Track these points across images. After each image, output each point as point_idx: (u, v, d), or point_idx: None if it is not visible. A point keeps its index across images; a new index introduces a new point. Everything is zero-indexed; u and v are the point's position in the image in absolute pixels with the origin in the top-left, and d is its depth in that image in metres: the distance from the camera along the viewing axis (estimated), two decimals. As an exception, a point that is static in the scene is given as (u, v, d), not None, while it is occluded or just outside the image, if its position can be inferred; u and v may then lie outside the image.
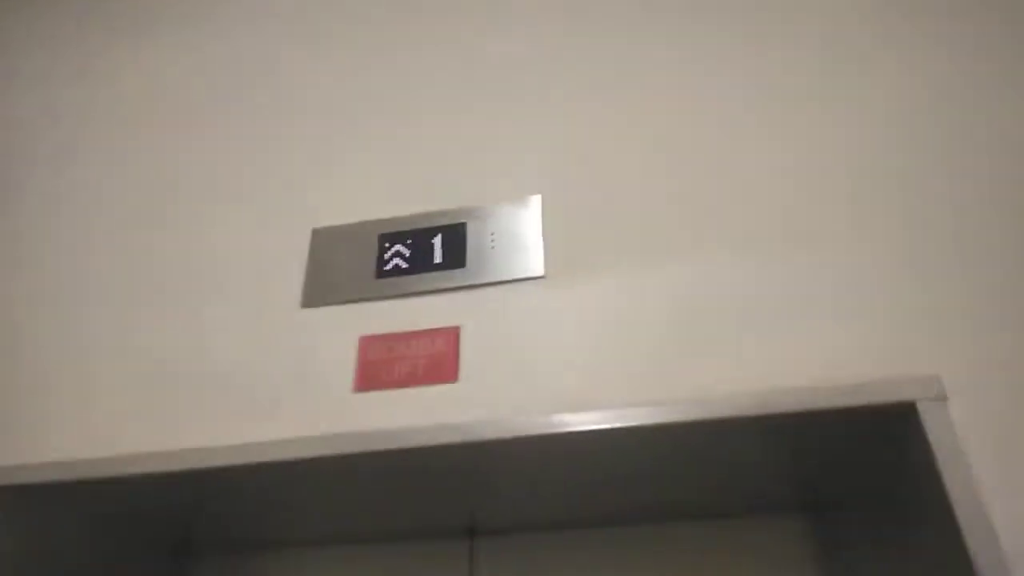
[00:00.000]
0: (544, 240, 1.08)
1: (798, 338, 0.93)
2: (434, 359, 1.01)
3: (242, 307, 1.14)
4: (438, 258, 1.11)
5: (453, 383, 0.99)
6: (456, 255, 1.10)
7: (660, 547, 1.24)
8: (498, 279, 1.06)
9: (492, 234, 1.11)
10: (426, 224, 1.14)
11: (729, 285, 0.99)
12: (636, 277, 1.02)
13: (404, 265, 1.11)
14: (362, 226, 1.17)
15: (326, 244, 1.17)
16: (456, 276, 1.08)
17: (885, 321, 0.91)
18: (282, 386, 1.05)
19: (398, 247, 1.13)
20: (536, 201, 1.12)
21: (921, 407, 0.82)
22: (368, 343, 1.05)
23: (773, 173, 1.07)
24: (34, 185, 1.40)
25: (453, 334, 1.03)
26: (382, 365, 1.02)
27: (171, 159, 1.35)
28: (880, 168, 1.03)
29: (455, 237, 1.12)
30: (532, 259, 1.07)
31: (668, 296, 1.00)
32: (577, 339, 0.99)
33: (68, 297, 1.23)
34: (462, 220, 1.13)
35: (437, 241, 1.12)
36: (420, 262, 1.11)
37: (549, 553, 1.26)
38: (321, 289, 1.13)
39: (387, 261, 1.12)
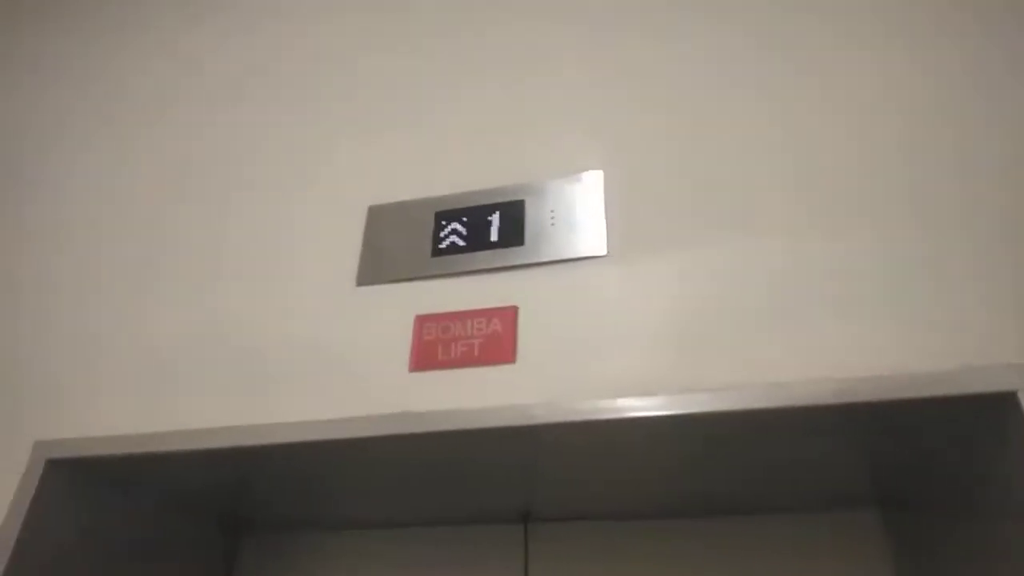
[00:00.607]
0: (606, 218, 1.03)
1: (880, 323, 0.86)
2: (491, 339, 0.98)
3: (298, 285, 1.13)
4: (495, 236, 1.07)
5: (510, 364, 0.96)
6: (514, 233, 1.06)
7: (722, 542, 1.19)
8: (558, 258, 1.02)
9: (552, 211, 1.07)
10: (484, 201, 1.11)
11: (804, 266, 0.92)
12: (703, 257, 0.97)
13: (461, 243, 1.08)
14: (418, 203, 1.14)
15: (382, 222, 1.15)
16: (514, 254, 1.05)
17: (978, 306, 0.84)
18: (337, 365, 1.03)
19: (455, 225, 1.10)
20: (598, 177, 1.07)
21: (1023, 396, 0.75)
22: (424, 322, 1.02)
23: (851, 149, 1.00)
24: (95, 162, 1.42)
25: (511, 314, 1.00)
26: (438, 345, 1.00)
27: (229, 138, 1.35)
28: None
29: (513, 214, 1.08)
30: (593, 237, 1.02)
31: (737, 277, 0.94)
32: (639, 321, 0.95)
33: (129, 273, 1.24)
34: (521, 197, 1.09)
35: (495, 219, 1.09)
36: (477, 240, 1.08)
37: (605, 543, 1.23)
38: (376, 267, 1.10)
39: (443, 239, 1.09)
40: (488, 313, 1.01)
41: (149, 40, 1.59)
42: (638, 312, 0.95)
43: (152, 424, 1.05)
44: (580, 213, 1.05)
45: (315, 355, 1.05)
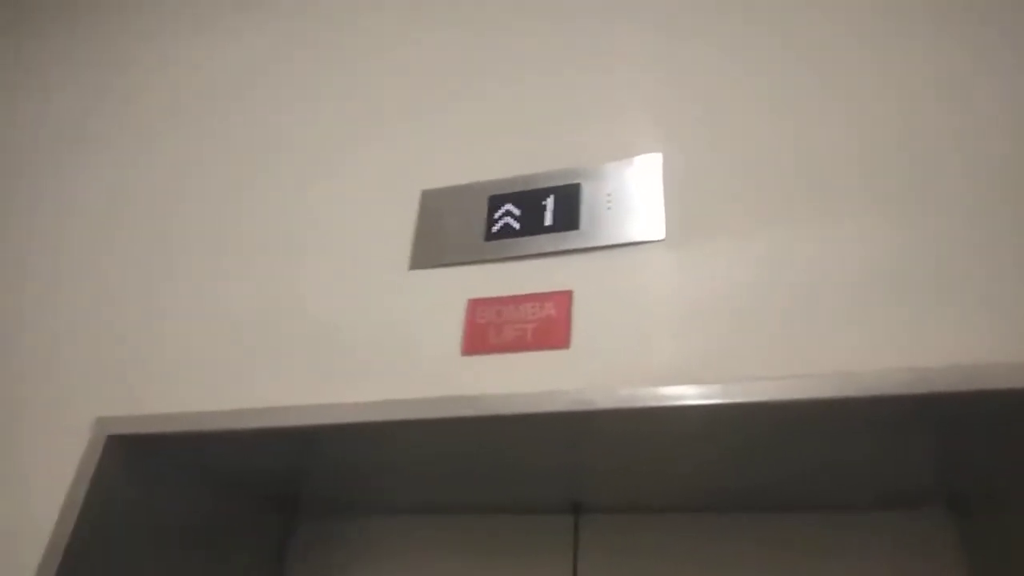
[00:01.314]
0: (664, 202, 1.01)
1: (956, 311, 0.81)
2: (545, 324, 0.97)
3: (351, 268, 1.13)
4: (550, 220, 1.05)
5: (564, 349, 0.94)
6: (569, 217, 1.04)
7: (777, 539, 1.15)
8: (614, 242, 1.00)
9: (608, 195, 1.04)
10: (538, 185, 1.09)
11: (872, 252, 0.88)
12: (765, 242, 0.93)
13: (514, 227, 1.07)
14: (472, 187, 1.13)
15: (435, 205, 1.14)
16: (569, 239, 1.03)
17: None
18: (389, 348, 1.03)
19: (508, 208, 1.09)
20: (656, 160, 1.05)
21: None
22: (476, 306, 1.01)
23: (921, 133, 0.95)
24: (167, 136, 1.45)
25: (565, 298, 0.98)
26: (490, 329, 0.99)
27: (286, 124, 1.36)
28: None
29: (569, 198, 1.06)
30: (651, 222, 1.00)
31: (800, 263, 0.90)
32: (698, 307, 0.92)
33: (193, 254, 1.26)
34: (576, 180, 1.08)
35: (549, 202, 1.07)
36: (531, 224, 1.06)
37: (655, 536, 1.20)
38: (429, 251, 1.10)
39: (497, 223, 1.08)
40: (542, 297, 0.99)
41: (200, 18, 1.62)
42: (697, 298, 0.92)
43: (211, 404, 1.06)
44: (637, 197, 1.03)
45: (368, 338, 1.05)
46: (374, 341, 1.04)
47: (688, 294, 0.93)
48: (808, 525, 1.14)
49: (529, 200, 1.08)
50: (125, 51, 1.66)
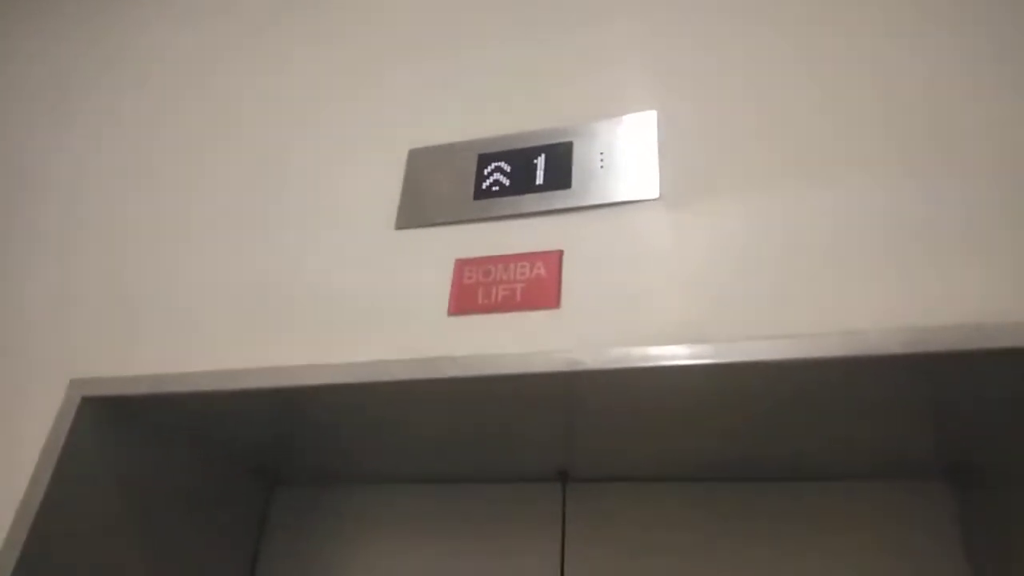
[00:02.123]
0: (659, 160, 0.98)
1: (957, 270, 0.79)
2: (534, 284, 0.94)
3: (336, 228, 1.09)
4: (541, 179, 1.02)
5: (554, 310, 0.91)
6: (561, 175, 1.01)
7: (769, 509, 1.14)
8: (606, 201, 0.97)
9: (601, 153, 1.01)
10: (529, 143, 1.06)
11: (871, 211, 0.85)
12: (761, 200, 0.90)
13: (504, 186, 1.03)
14: (461, 145, 1.10)
15: (423, 164, 1.10)
16: (560, 197, 0.99)
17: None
18: (375, 308, 1.00)
19: (499, 166, 1.05)
20: (651, 117, 1.01)
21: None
22: (464, 265, 0.98)
23: (917, 84, 0.92)
24: (132, 117, 1.40)
25: (555, 258, 0.95)
26: (479, 288, 0.95)
27: (263, 82, 1.32)
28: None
29: (560, 156, 1.03)
30: (645, 180, 0.96)
31: (797, 221, 0.87)
32: (692, 267, 0.89)
33: (167, 216, 1.22)
34: (568, 139, 1.04)
35: (540, 161, 1.03)
36: (521, 183, 1.03)
37: (644, 504, 1.18)
38: (416, 211, 1.06)
39: (486, 181, 1.05)
40: (531, 257, 0.96)
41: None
42: (691, 258, 0.90)
43: (189, 366, 1.03)
44: (631, 155, 0.99)
45: (353, 299, 1.02)
46: (359, 302, 1.01)
47: (683, 253, 0.90)
48: (802, 495, 1.13)
49: (520, 158, 1.05)
50: (118, 18, 1.61)
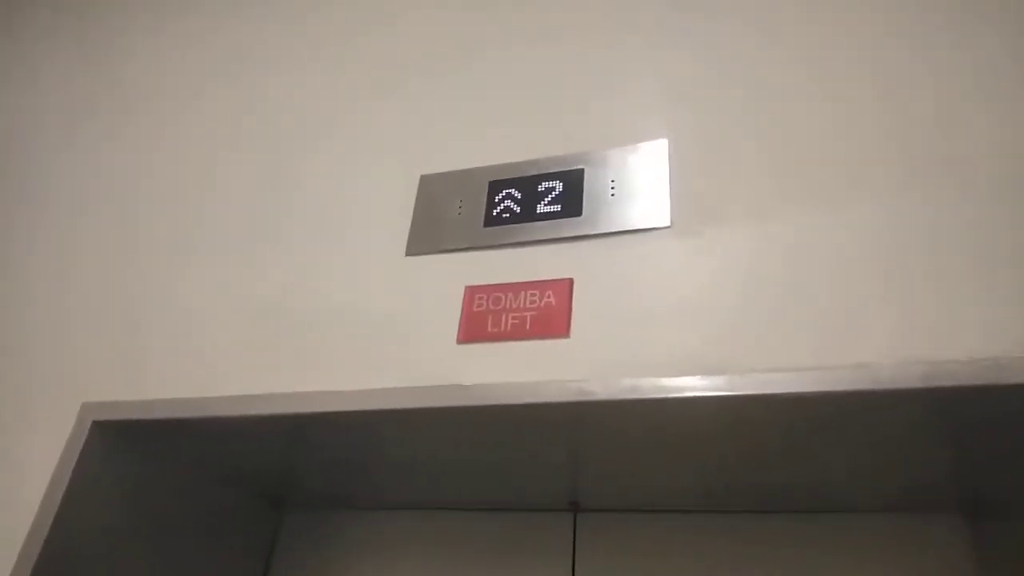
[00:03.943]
0: (670, 188, 0.97)
1: (976, 301, 0.77)
2: (545, 312, 0.93)
3: (346, 254, 1.10)
4: (552, 206, 1.02)
5: (564, 339, 0.90)
6: (572, 203, 1.01)
7: (781, 542, 1.11)
8: (618, 229, 0.96)
9: (612, 181, 1.01)
10: (540, 170, 1.06)
11: (887, 240, 0.84)
12: (773, 228, 0.89)
13: (515, 213, 1.03)
14: (472, 172, 1.10)
15: (434, 191, 1.11)
16: (571, 225, 0.99)
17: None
18: (385, 334, 0.99)
19: (509, 193, 1.05)
20: (662, 146, 1.01)
21: None
22: (473, 293, 0.98)
23: (928, 110, 0.91)
24: (138, 134, 1.42)
25: (566, 286, 0.94)
26: (488, 316, 0.95)
27: (278, 105, 1.33)
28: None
29: (571, 184, 1.03)
30: (656, 208, 0.96)
31: (810, 251, 0.86)
32: (704, 296, 0.88)
33: (178, 239, 1.23)
34: (580, 166, 1.04)
35: (551, 188, 1.03)
36: (532, 210, 1.02)
37: (656, 536, 1.16)
38: (427, 237, 1.07)
39: (497, 208, 1.05)
40: (542, 285, 0.96)
41: (192, 12, 1.59)
42: (703, 287, 0.89)
43: (198, 391, 1.03)
44: (642, 183, 0.99)
45: (362, 325, 1.02)
46: (368, 329, 1.01)
47: (694, 282, 0.89)
48: (816, 527, 1.11)
49: (530, 185, 1.05)
50: (123, 32, 1.64)
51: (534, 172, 1.06)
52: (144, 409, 1.03)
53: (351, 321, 1.02)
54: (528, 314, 0.94)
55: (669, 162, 0.99)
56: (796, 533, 1.11)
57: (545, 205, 1.02)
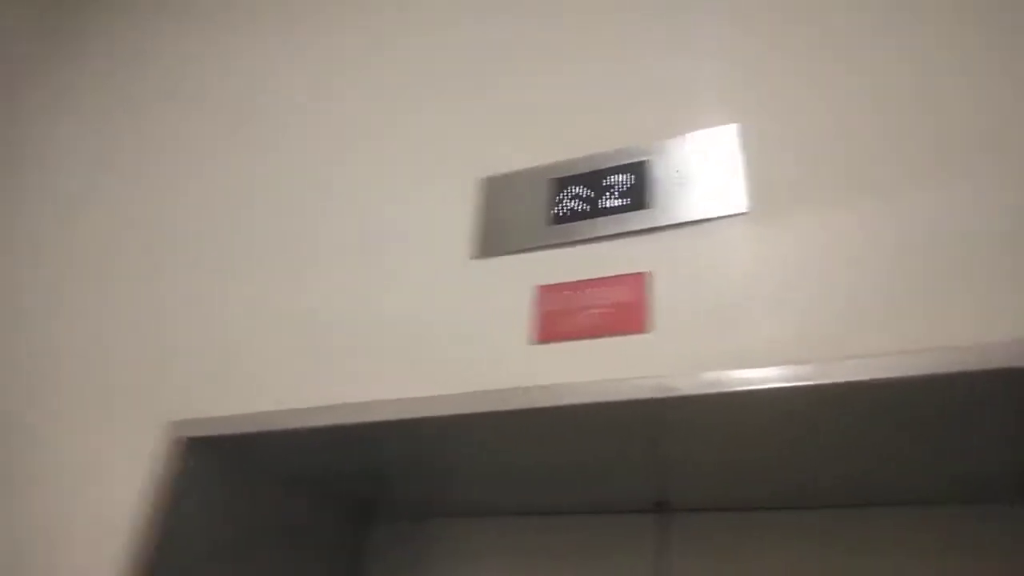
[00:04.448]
0: (745, 173, 0.94)
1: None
2: (619, 308, 0.91)
3: (414, 261, 1.10)
4: (618, 200, 1.00)
5: (642, 334, 0.88)
6: (639, 195, 0.98)
7: (871, 535, 1.06)
8: (689, 218, 0.93)
9: (678, 171, 0.98)
10: (603, 164, 1.04)
11: (972, 219, 0.79)
12: (857, 211, 0.85)
13: (580, 209, 1.01)
14: (533, 171, 1.09)
15: (496, 192, 1.10)
16: (640, 218, 0.97)
17: None
18: (458, 339, 0.99)
19: (573, 190, 1.03)
20: (731, 131, 0.98)
21: None
22: (545, 292, 0.96)
23: (1018, 88, 0.85)
24: (207, 154, 1.45)
25: (639, 280, 0.92)
26: (562, 315, 0.93)
27: (338, 115, 1.35)
28: None
29: (637, 176, 1.00)
30: (732, 194, 0.93)
31: (896, 232, 0.82)
32: (787, 282, 0.84)
33: (254, 255, 1.25)
34: (644, 157, 1.01)
35: (616, 181, 1.01)
36: (598, 205, 1.00)
37: (750, 535, 1.12)
38: (492, 239, 1.06)
39: (562, 206, 1.03)
40: (614, 281, 0.93)
41: (254, 24, 1.62)
42: (786, 273, 0.85)
43: (280, 403, 1.05)
44: (712, 170, 0.96)
45: (436, 331, 1.01)
46: (441, 335, 1.01)
47: (775, 269, 0.86)
48: (905, 520, 1.05)
49: (594, 180, 1.03)
50: (176, 42, 1.69)
51: (597, 167, 1.04)
52: (229, 424, 1.05)
53: (424, 327, 1.02)
54: (602, 311, 0.91)
55: (741, 147, 0.96)
56: (891, 526, 1.06)
57: (611, 199, 1.00)
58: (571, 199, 1.03)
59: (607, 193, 1.01)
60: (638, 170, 1.01)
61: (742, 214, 0.91)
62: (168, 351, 1.20)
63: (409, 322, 1.04)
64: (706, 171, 0.96)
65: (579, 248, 0.99)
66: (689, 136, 1.01)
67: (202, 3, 1.75)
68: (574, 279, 0.96)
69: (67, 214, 1.54)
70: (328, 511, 1.32)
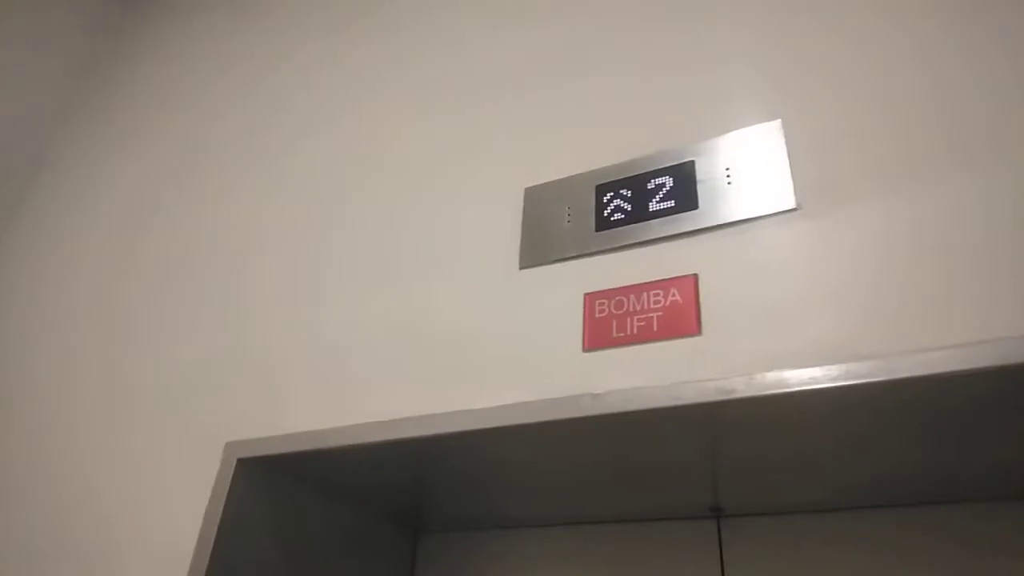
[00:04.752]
0: (791, 170, 0.92)
1: None
2: (671, 312, 0.90)
3: (462, 275, 1.10)
4: (665, 203, 0.99)
5: (696, 336, 0.87)
6: (686, 196, 0.97)
7: (940, 535, 1.02)
8: (739, 218, 0.92)
9: (727, 169, 0.97)
10: (647, 168, 1.03)
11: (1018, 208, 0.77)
12: (904, 205, 0.83)
13: (626, 214, 1.01)
14: (576, 179, 1.09)
15: (540, 201, 1.10)
16: (688, 219, 0.96)
17: None
18: (508, 349, 0.99)
19: (618, 195, 1.03)
20: (776, 127, 0.96)
21: None
22: (594, 299, 0.96)
23: None
24: (263, 174, 1.48)
25: (690, 282, 0.91)
26: (612, 321, 0.93)
27: (381, 132, 1.37)
28: None
29: (683, 177, 0.99)
30: (780, 191, 0.91)
31: (951, 228, 0.80)
32: (841, 279, 0.82)
33: (305, 274, 1.27)
34: (689, 158, 1.01)
35: (662, 184, 1.00)
36: (644, 209, 1.00)
37: (811, 539, 1.09)
38: (538, 248, 1.05)
39: (607, 212, 1.03)
40: (664, 284, 0.92)
41: (295, 42, 1.66)
42: (838, 270, 0.83)
43: (332, 421, 1.05)
44: (760, 168, 0.94)
45: (485, 342, 1.01)
46: (491, 344, 1.01)
47: (828, 265, 0.84)
48: (969, 519, 1.01)
49: (639, 184, 1.02)
50: (245, 61, 1.74)
51: (641, 170, 1.03)
52: (282, 443, 1.07)
53: (474, 339, 1.02)
54: (654, 315, 0.91)
55: (787, 142, 0.94)
56: (951, 526, 1.02)
57: (657, 202, 0.99)
58: (616, 204, 1.03)
59: (653, 196, 1.00)
60: (682, 171, 1.00)
61: (791, 210, 0.89)
62: (227, 373, 1.22)
63: (460, 335, 1.04)
64: (754, 169, 0.95)
65: (626, 253, 0.98)
66: (736, 133, 0.99)
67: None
68: (623, 284, 0.95)
69: (128, 232, 1.59)
70: (381, 524, 1.32)
